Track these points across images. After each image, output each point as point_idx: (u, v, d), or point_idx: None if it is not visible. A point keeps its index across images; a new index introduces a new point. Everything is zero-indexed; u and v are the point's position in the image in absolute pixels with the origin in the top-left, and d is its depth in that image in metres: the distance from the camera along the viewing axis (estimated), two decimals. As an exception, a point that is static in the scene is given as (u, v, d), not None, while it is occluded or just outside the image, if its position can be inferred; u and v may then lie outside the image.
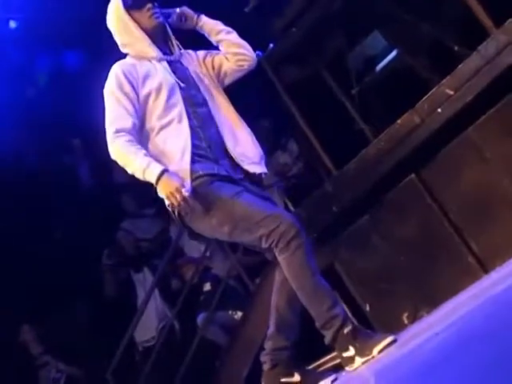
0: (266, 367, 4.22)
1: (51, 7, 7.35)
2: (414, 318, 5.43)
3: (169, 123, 4.22)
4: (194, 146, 4.20)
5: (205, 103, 4.36)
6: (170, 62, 4.40)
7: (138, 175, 4.12)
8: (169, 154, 4.17)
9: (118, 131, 4.15)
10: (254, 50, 4.69)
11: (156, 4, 4.39)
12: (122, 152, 4.13)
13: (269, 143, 7.31)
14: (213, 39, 4.55)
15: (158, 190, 4.10)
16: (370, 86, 6.36)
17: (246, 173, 4.31)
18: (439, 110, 5.17)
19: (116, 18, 4.34)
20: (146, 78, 4.29)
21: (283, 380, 4.14)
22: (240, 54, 4.49)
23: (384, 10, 6.05)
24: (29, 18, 7.49)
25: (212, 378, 6.64)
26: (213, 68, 4.53)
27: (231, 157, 4.29)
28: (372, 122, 6.22)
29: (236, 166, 4.31)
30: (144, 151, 4.14)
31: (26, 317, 8.30)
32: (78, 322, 8.63)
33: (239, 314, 7.19)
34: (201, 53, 4.63)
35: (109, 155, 4.24)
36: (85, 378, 8.20)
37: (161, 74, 4.31)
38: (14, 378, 7.98)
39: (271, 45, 6.42)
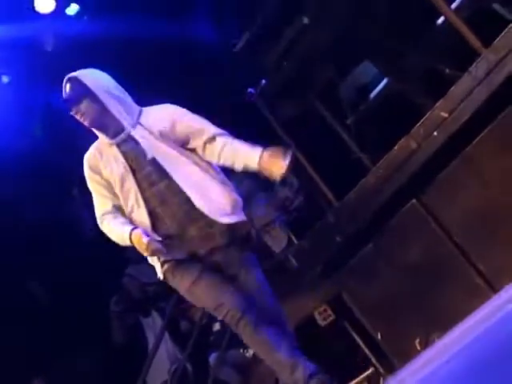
0: None
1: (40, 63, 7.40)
2: (426, 343, 5.40)
3: (131, 210, 4.43)
4: (155, 231, 4.40)
5: (163, 176, 4.39)
6: (119, 145, 4.43)
7: (123, 243, 4.43)
8: None
9: (102, 215, 4.50)
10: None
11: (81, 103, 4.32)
12: (108, 231, 4.50)
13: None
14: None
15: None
16: (364, 114, 6.39)
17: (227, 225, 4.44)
18: (435, 133, 5.18)
19: None
20: (105, 167, 4.45)
21: None
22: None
23: (372, 38, 6.09)
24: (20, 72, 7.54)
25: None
26: (180, 136, 4.49)
27: (206, 215, 4.37)
28: (369, 150, 6.23)
29: (214, 222, 4.41)
30: (123, 220, 4.44)
31: (36, 369, 8.27)
32: (89, 371, 8.59)
33: (251, 352, 7.14)
34: (167, 119, 4.52)
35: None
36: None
37: (113, 163, 4.42)
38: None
39: (263, 81, 6.44)
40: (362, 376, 6.11)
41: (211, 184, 4.40)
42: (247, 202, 7.67)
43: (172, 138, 4.41)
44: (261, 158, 4.27)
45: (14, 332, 7.95)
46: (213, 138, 4.43)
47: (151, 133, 4.40)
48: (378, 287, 5.77)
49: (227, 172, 4.58)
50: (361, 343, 6.29)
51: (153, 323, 8.09)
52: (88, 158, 4.50)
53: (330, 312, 6.62)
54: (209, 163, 4.48)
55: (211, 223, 4.37)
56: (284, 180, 7.58)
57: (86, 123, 4.35)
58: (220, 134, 4.45)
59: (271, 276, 7.26)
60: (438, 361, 3.63)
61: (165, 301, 7.86)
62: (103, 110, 4.31)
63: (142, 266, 8.57)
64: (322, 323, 6.72)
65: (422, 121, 5.28)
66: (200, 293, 4.43)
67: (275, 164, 4.23)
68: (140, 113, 4.46)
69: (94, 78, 4.36)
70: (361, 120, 6.35)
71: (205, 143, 4.43)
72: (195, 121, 4.49)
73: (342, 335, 6.54)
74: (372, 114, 6.34)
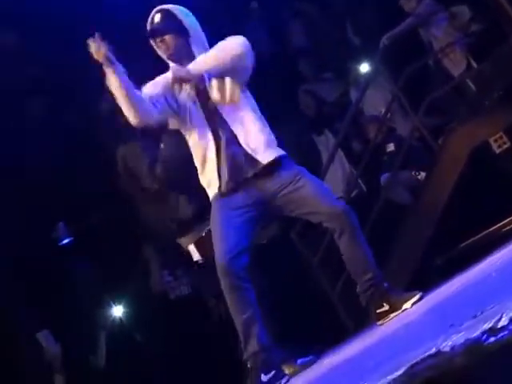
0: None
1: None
2: None
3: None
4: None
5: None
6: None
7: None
8: None
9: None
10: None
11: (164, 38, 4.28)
12: None
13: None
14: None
15: None
16: None
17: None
18: None
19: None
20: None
21: (378, 311, 4.22)
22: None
23: None
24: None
25: (396, 239, 6.68)
26: None
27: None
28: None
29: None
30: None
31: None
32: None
33: (422, 174, 7.13)
34: None
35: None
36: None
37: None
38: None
39: None
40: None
41: (248, 122, 4.35)
42: (424, 24, 7.48)
43: None
44: None
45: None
46: None
47: None
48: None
49: None
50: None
51: (326, 141, 8.16)
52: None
53: (505, 139, 6.48)
54: None
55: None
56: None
57: (165, 53, 4.32)
58: None
59: (447, 100, 7.18)
60: None
61: (339, 121, 7.88)
62: (186, 46, 4.32)
63: (317, 85, 8.61)
64: (497, 150, 6.60)
65: None
66: (216, 236, 4.28)
67: None
68: None
69: (186, 15, 4.37)
70: None
71: None
72: None
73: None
74: None
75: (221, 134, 4.21)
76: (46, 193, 7.17)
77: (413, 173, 7.33)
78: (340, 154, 7.92)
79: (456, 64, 7.30)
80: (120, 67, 4.03)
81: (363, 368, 2.63)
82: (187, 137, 4.32)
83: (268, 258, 5.97)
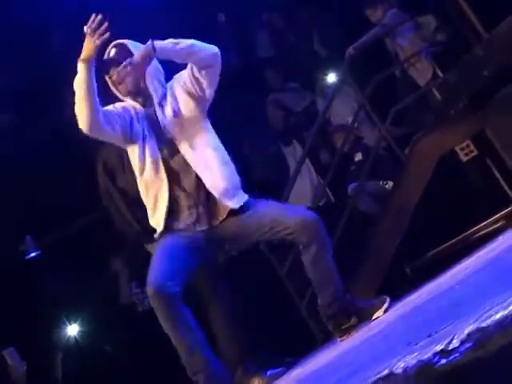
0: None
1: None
2: None
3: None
4: None
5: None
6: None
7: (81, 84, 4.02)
8: None
9: None
10: None
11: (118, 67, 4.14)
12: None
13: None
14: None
15: None
16: None
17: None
18: None
19: None
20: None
21: (343, 327, 4.13)
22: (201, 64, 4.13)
23: None
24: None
25: (363, 248, 6.70)
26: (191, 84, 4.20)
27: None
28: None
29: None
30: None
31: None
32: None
33: (390, 183, 7.15)
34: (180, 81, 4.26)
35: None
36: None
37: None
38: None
39: None
40: (500, 214, 6.05)
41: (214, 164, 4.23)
42: (390, 34, 7.52)
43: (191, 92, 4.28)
44: None
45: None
46: None
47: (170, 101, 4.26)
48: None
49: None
50: (501, 181, 6.20)
51: (294, 152, 8.17)
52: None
53: (472, 148, 6.52)
54: None
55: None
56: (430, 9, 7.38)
57: (120, 88, 4.18)
58: None
59: (413, 109, 7.22)
60: None
61: (306, 130, 7.90)
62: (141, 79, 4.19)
63: (283, 95, 8.61)
64: (464, 158, 6.64)
65: None
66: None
67: None
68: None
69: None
70: None
71: None
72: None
73: (482, 172, 6.47)
74: None
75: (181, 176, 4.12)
76: (13, 204, 7.11)
77: (381, 182, 7.36)
78: (308, 164, 7.94)
79: (422, 73, 7.36)
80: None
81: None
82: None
83: (238, 269, 5.94)
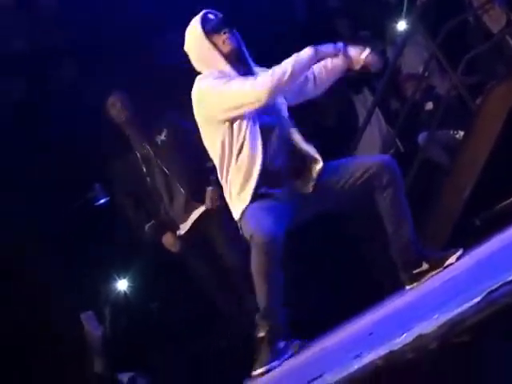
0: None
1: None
2: None
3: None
4: None
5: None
6: None
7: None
8: None
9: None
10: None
11: (233, 29, 4.37)
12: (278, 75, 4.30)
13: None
14: None
15: None
16: None
17: None
18: None
19: (194, 41, 4.42)
20: None
21: (415, 272, 4.20)
22: None
23: None
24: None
25: (432, 199, 6.65)
26: None
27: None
28: None
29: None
30: None
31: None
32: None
33: (461, 133, 7.06)
34: None
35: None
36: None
37: None
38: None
39: None
40: None
41: None
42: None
43: None
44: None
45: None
46: None
47: None
48: None
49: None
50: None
51: (364, 100, 8.10)
52: None
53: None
54: None
55: None
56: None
57: (228, 48, 4.36)
58: None
59: (486, 58, 7.06)
60: None
61: (377, 81, 7.81)
62: (240, 50, 4.42)
63: (356, 43, 8.50)
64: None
65: None
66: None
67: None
68: None
69: None
70: None
71: None
72: None
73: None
74: None
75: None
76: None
77: (451, 132, 7.27)
78: (377, 112, 7.88)
79: (496, 20, 7.19)
80: None
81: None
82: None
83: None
